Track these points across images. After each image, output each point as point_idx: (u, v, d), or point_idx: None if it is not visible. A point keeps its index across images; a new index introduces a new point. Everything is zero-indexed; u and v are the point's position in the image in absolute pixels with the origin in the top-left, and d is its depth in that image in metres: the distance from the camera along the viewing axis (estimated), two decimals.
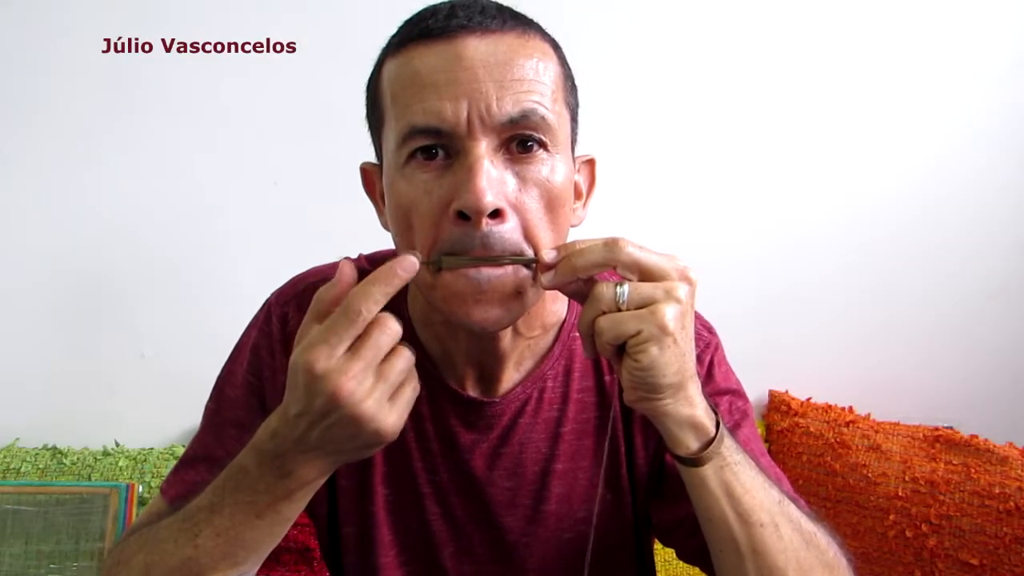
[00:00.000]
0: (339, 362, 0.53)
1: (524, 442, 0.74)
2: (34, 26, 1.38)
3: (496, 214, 0.58)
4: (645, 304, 0.54)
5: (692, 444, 0.59)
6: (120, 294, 1.46)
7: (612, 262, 0.55)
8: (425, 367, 0.72)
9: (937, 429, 1.39)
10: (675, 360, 0.56)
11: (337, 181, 1.39)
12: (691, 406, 0.59)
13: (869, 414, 1.47)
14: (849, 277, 1.60)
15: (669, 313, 0.54)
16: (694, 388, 0.59)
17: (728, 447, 0.61)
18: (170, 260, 1.46)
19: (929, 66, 1.54)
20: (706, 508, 0.61)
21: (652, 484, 0.77)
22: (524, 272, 0.60)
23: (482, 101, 0.58)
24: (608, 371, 0.77)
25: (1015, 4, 1.53)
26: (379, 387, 0.54)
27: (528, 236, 0.60)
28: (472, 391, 0.73)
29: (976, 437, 1.34)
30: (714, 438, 0.60)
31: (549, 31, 0.67)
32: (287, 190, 1.46)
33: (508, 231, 0.59)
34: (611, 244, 0.55)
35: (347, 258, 0.82)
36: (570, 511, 0.75)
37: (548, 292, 0.75)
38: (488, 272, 0.59)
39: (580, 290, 0.58)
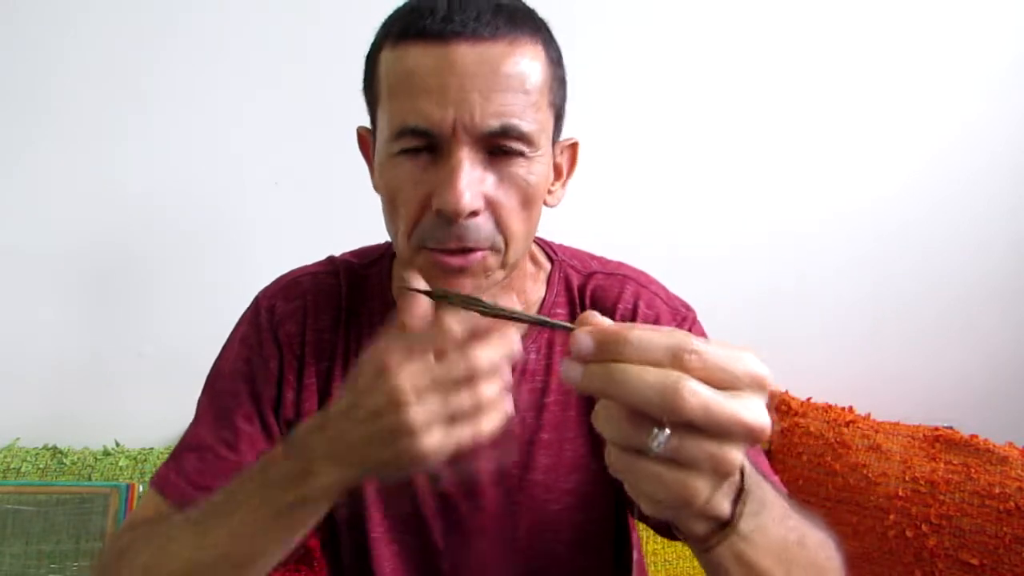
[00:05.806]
0: (414, 366, 0.51)
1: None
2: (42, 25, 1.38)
3: (472, 214, 0.64)
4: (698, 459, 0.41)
5: (700, 529, 0.49)
6: (120, 293, 1.46)
7: (666, 413, 0.40)
8: None
9: (937, 429, 1.38)
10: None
11: (338, 181, 1.40)
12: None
13: (869, 414, 1.47)
14: (849, 276, 1.60)
15: (735, 461, 0.42)
16: None
17: (745, 513, 0.49)
18: (170, 260, 1.46)
19: (929, 66, 1.55)
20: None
21: None
22: (492, 258, 0.66)
23: (467, 111, 0.62)
24: None
25: (1015, 4, 1.53)
26: (439, 404, 0.50)
27: (501, 227, 0.66)
28: None
29: (976, 437, 1.33)
30: (730, 520, 0.48)
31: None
32: (288, 190, 1.46)
33: (482, 223, 0.65)
34: (672, 390, 0.39)
35: (332, 256, 0.84)
36: (556, 481, 0.77)
37: (528, 268, 0.81)
38: (459, 259, 0.65)
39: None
